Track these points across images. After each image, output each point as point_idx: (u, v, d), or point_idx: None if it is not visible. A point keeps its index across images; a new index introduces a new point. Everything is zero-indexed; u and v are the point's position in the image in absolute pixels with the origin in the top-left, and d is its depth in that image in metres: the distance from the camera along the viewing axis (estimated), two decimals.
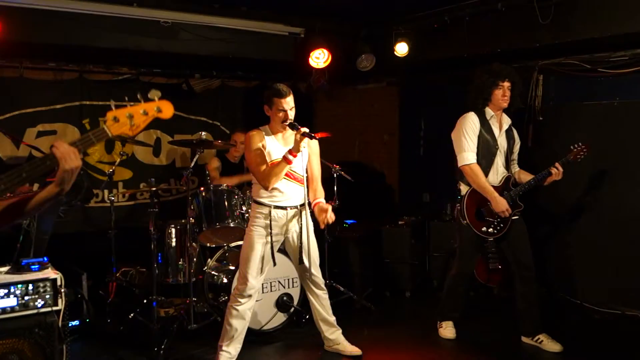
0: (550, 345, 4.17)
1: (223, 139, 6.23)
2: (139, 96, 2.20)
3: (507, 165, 4.34)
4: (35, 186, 4.68)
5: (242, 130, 5.56)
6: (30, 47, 4.90)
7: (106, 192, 5.67)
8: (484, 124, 4.21)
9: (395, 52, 5.79)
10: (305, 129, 3.60)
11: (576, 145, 4.18)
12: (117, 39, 4.96)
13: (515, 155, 4.43)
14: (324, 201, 3.92)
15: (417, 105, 6.88)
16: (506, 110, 4.31)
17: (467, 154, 4.17)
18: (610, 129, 4.99)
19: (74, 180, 2.11)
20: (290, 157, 3.62)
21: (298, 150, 3.60)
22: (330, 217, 3.78)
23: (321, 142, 4.15)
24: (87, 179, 5.30)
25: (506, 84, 4.16)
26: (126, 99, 2.19)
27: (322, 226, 3.85)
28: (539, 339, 4.23)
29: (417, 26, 5.70)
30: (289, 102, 3.73)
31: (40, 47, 4.97)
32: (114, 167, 4.99)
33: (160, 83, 6.10)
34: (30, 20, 4.55)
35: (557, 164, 4.13)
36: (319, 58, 5.75)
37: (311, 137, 3.60)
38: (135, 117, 2.15)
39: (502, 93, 4.16)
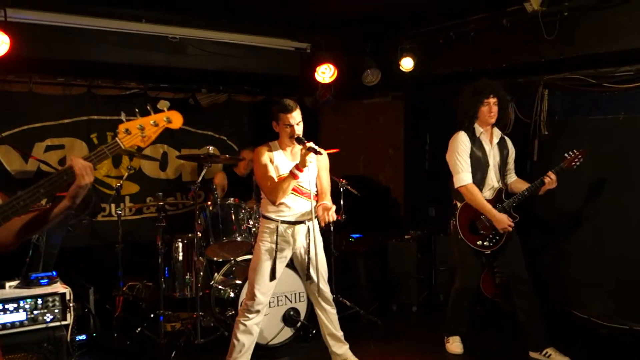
0: (559, 359, 4.15)
1: (230, 153, 6.27)
2: (148, 108, 2.24)
3: (502, 177, 4.36)
4: (43, 201, 4.71)
5: (250, 147, 5.59)
6: (39, 62, 4.96)
7: (113, 206, 5.69)
8: (475, 141, 4.23)
9: (400, 67, 5.83)
10: (311, 144, 3.60)
11: (571, 153, 4.18)
12: (125, 54, 5.01)
13: (510, 165, 4.44)
14: (329, 202, 3.86)
15: (422, 120, 6.90)
16: (497, 125, 4.33)
17: (463, 175, 4.19)
18: (615, 144, 4.99)
19: (84, 195, 2.16)
20: (297, 172, 3.63)
21: (304, 165, 3.59)
22: (332, 215, 3.69)
23: (327, 156, 4.18)
24: (95, 193, 5.33)
25: (492, 100, 4.17)
26: (137, 110, 2.21)
27: (322, 224, 3.78)
28: (547, 352, 4.20)
29: (422, 41, 5.74)
30: (295, 117, 3.74)
31: (49, 63, 5.02)
32: (121, 182, 5.02)
33: (168, 98, 6.09)
34: (40, 36, 4.60)
35: (550, 173, 4.13)
36: (325, 73, 5.80)
37: (316, 152, 3.59)
38: (146, 128, 2.19)
39: (489, 110, 4.17)
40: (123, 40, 4.95)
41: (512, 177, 4.44)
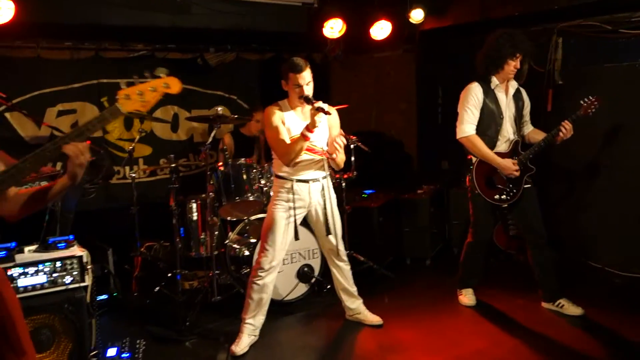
0: (572, 309, 4.19)
1: (240, 112, 6.25)
2: (146, 74, 2.29)
3: (518, 129, 4.30)
4: (58, 165, 4.77)
5: (262, 108, 5.56)
6: (45, 27, 4.93)
7: (127, 168, 5.75)
8: (488, 94, 4.16)
9: (410, 19, 5.71)
10: (319, 104, 3.54)
11: (586, 100, 4.09)
12: (131, 15, 4.97)
13: (527, 117, 4.38)
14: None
15: (434, 72, 6.79)
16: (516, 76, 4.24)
17: (465, 126, 4.16)
18: (632, 91, 4.89)
19: (83, 172, 2.21)
20: (308, 133, 3.60)
21: (314, 126, 3.55)
22: (342, 140, 3.69)
23: (338, 112, 4.14)
24: (108, 157, 5.38)
25: (519, 57, 4.07)
26: (135, 77, 2.27)
27: (333, 151, 3.75)
28: (559, 303, 4.25)
29: None
30: (305, 77, 3.68)
31: (55, 27, 4.99)
32: (133, 144, 5.05)
33: (176, 59, 6.11)
34: (45, 0, 4.56)
35: (565, 122, 4.06)
36: (334, 28, 5.71)
37: (325, 113, 3.53)
38: (145, 94, 2.27)
39: (515, 65, 4.08)
40: (128, 1, 4.90)
41: (528, 128, 4.39)
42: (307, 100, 3.66)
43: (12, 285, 3.27)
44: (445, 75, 6.63)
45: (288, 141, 3.75)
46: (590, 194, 5.27)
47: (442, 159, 6.78)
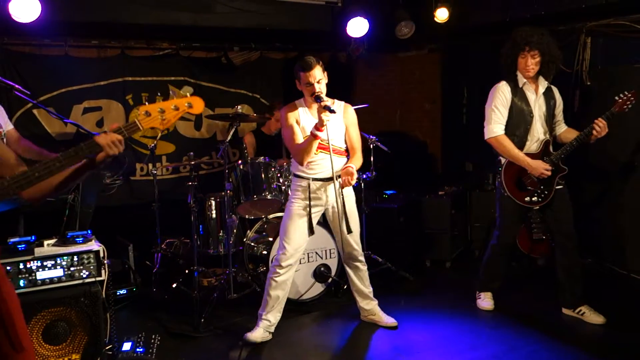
0: (593, 317, 4.08)
1: (263, 111, 6.27)
2: (171, 92, 2.30)
3: (550, 129, 4.18)
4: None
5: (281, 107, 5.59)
6: (73, 25, 5.05)
7: (150, 165, 5.83)
8: (516, 93, 4.06)
9: (435, 18, 5.66)
10: (326, 102, 3.55)
11: (621, 95, 3.90)
12: (156, 14, 5.06)
13: (559, 117, 4.23)
14: (353, 166, 3.83)
15: (459, 72, 6.71)
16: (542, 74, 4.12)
17: (493, 127, 4.06)
18: None
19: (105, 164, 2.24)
20: (317, 132, 3.60)
21: (322, 124, 3.55)
22: (349, 180, 3.69)
23: (361, 112, 4.11)
24: (130, 153, 5.46)
25: (529, 53, 3.96)
26: (158, 94, 2.29)
27: (342, 187, 3.81)
28: (580, 310, 4.14)
29: None
30: (314, 75, 3.68)
31: (83, 26, 5.11)
32: (156, 142, 5.12)
33: (200, 57, 6.17)
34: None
35: (598, 120, 3.89)
36: (358, 27, 5.68)
37: (331, 111, 3.51)
38: (166, 111, 2.28)
39: (525, 62, 3.98)
40: (154, 0, 4.97)
41: (562, 128, 4.25)
42: (317, 98, 3.65)
43: (30, 277, 3.38)
44: (470, 75, 6.55)
45: (301, 140, 3.77)
46: (619, 196, 5.11)
47: (466, 160, 6.69)
